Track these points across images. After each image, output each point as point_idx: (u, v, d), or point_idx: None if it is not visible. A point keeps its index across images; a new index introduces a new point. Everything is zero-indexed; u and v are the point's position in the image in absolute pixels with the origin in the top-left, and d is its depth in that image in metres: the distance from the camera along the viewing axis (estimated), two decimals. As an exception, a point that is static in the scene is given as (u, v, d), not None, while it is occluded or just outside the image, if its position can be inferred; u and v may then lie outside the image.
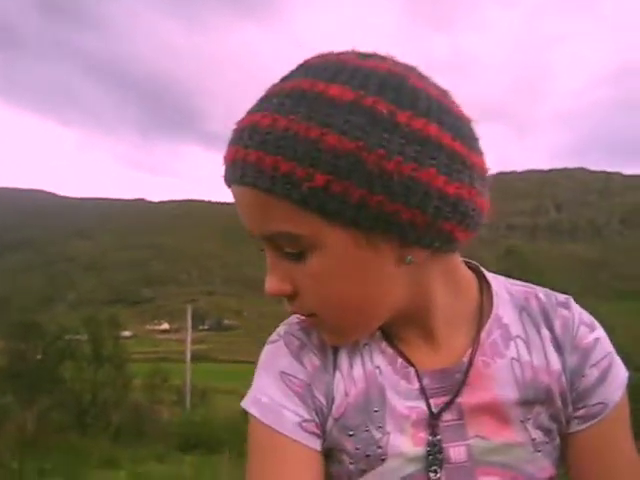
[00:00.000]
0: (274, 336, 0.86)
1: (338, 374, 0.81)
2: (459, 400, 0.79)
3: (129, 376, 13.58)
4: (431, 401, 0.79)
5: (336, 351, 0.82)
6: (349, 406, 0.79)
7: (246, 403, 0.82)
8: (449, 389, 0.79)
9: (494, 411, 0.79)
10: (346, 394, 0.80)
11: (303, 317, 0.83)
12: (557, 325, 0.83)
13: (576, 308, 0.85)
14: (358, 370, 0.81)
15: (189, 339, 16.58)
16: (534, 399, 0.80)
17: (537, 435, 0.79)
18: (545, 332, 0.82)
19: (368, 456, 0.78)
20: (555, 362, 0.81)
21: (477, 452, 0.78)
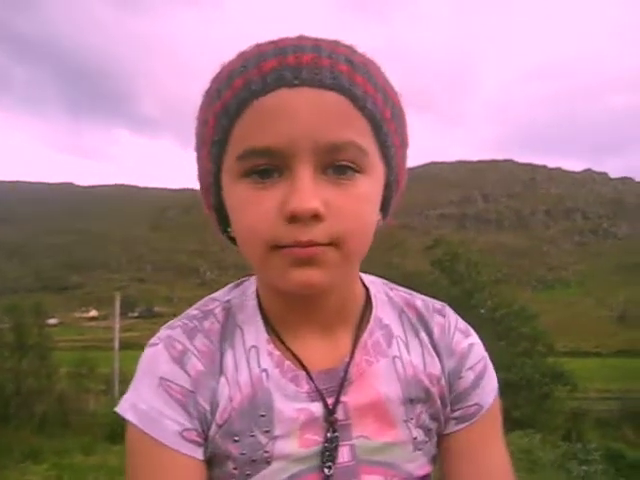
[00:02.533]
0: (154, 339, 0.83)
1: (223, 379, 0.79)
2: (345, 400, 0.81)
3: (54, 365, 13.24)
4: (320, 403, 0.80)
5: (222, 355, 0.81)
6: (233, 411, 0.78)
7: (122, 408, 0.79)
8: (334, 389, 0.81)
9: (378, 410, 0.81)
10: (230, 399, 0.78)
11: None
12: (435, 331, 0.87)
13: (451, 315, 0.90)
14: (244, 374, 0.80)
15: (117, 326, 16.25)
16: (416, 398, 0.83)
17: (418, 434, 0.83)
18: (424, 337, 0.86)
19: (254, 461, 0.78)
20: (434, 365, 0.85)
21: (360, 452, 0.80)
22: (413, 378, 0.83)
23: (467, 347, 0.87)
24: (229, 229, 0.81)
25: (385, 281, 0.94)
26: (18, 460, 7.63)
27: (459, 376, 0.86)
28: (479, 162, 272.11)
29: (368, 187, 0.72)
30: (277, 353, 0.81)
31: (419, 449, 0.83)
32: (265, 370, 0.80)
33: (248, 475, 0.78)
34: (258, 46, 0.72)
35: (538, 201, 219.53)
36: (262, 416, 0.78)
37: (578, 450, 8.60)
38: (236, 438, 0.78)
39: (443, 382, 0.85)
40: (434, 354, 0.86)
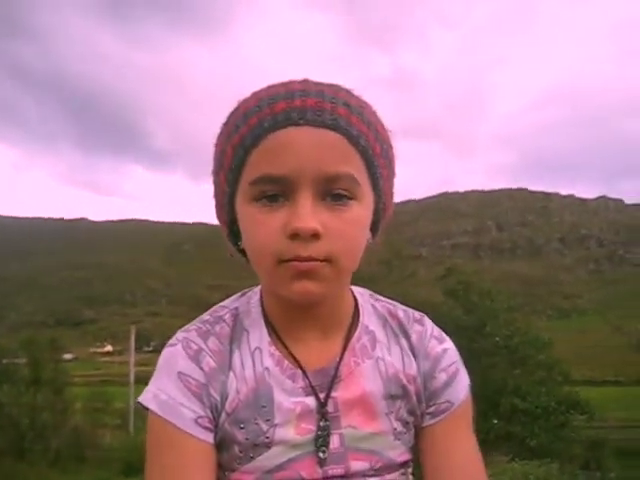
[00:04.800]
0: (172, 340, 0.96)
1: (232, 374, 0.92)
2: (335, 395, 0.93)
3: (69, 400, 13.27)
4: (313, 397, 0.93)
5: (231, 355, 0.94)
6: (240, 402, 0.91)
7: (145, 398, 0.91)
8: (326, 385, 0.94)
9: (364, 404, 0.94)
10: (238, 392, 0.91)
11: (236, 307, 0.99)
12: (413, 337, 1.00)
13: (429, 324, 1.03)
14: (249, 371, 0.93)
15: (132, 361, 16.28)
16: (396, 394, 0.96)
17: (398, 426, 0.96)
18: (403, 342, 1.00)
19: (256, 445, 0.90)
20: (411, 366, 0.98)
21: (348, 440, 0.93)
22: (393, 377, 0.96)
23: (441, 351, 1.00)
24: (239, 242, 0.93)
25: (371, 292, 1.07)
26: (34, 494, 7.66)
27: (432, 376, 0.98)
28: (492, 191, 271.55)
29: (360, 212, 0.86)
30: (277, 354, 0.94)
31: (399, 439, 0.96)
32: (267, 368, 0.93)
33: (251, 458, 0.91)
34: (270, 88, 0.87)
35: (552, 229, 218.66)
36: (264, 407, 0.91)
37: (597, 479, 8.50)
38: (242, 425, 0.90)
39: (419, 381, 0.98)
40: (412, 357, 0.99)
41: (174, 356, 0.93)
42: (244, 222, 0.88)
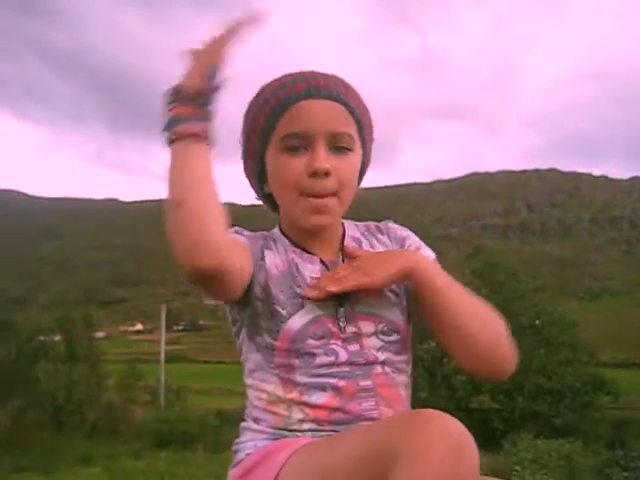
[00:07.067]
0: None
1: (264, 262, 1.22)
2: None
3: (103, 375, 13.59)
4: None
5: (263, 252, 1.24)
6: (279, 273, 1.22)
7: None
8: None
9: None
10: (275, 267, 1.22)
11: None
12: (386, 232, 1.37)
13: (393, 223, 1.40)
14: (280, 258, 1.25)
15: (163, 339, 16.59)
16: None
17: (392, 295, 1.26)
18: (380, 236, 1.36)
19: (294, 303, 1.19)
20: (389, 249, 1.33)
21: (354, 306, 1.21)
22: None
23: (405, 236, 1.36)
24: (264, 187, 1.29)
25: (352, 220, 1.40)
26: (70, 464, 7.94)
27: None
28: (522, 172, 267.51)
29: (355, 160, 1.24)
30: (298, 250, 1.27)
31: (395, 305, 1.25)
32: (293, 258, 1.25)
33: (291, 314, 1.18)
34: (287, 75, 1.23)
35: (583, 210, 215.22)
36: (295, 276, 1.22)
37: (620, 457, 8.54)
38: (282, 289, 1.20)
39: None
40: (389, 244, 1.34)
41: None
42: (274, 167, 1.22)
